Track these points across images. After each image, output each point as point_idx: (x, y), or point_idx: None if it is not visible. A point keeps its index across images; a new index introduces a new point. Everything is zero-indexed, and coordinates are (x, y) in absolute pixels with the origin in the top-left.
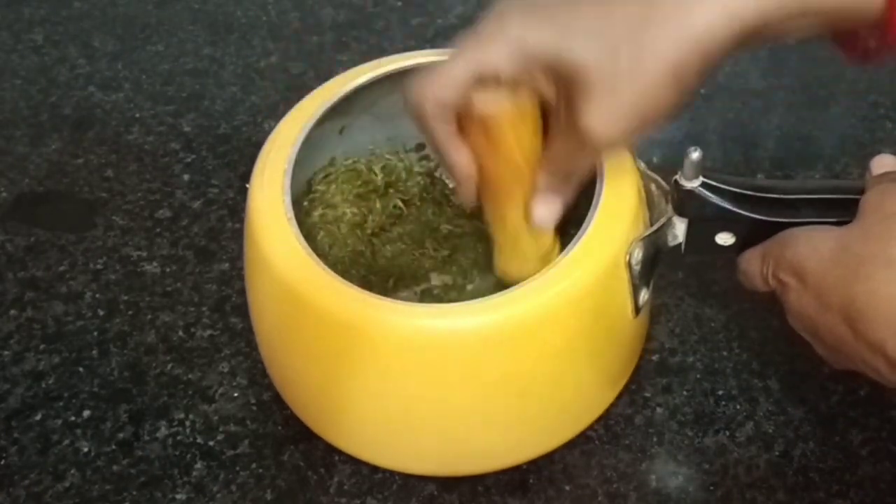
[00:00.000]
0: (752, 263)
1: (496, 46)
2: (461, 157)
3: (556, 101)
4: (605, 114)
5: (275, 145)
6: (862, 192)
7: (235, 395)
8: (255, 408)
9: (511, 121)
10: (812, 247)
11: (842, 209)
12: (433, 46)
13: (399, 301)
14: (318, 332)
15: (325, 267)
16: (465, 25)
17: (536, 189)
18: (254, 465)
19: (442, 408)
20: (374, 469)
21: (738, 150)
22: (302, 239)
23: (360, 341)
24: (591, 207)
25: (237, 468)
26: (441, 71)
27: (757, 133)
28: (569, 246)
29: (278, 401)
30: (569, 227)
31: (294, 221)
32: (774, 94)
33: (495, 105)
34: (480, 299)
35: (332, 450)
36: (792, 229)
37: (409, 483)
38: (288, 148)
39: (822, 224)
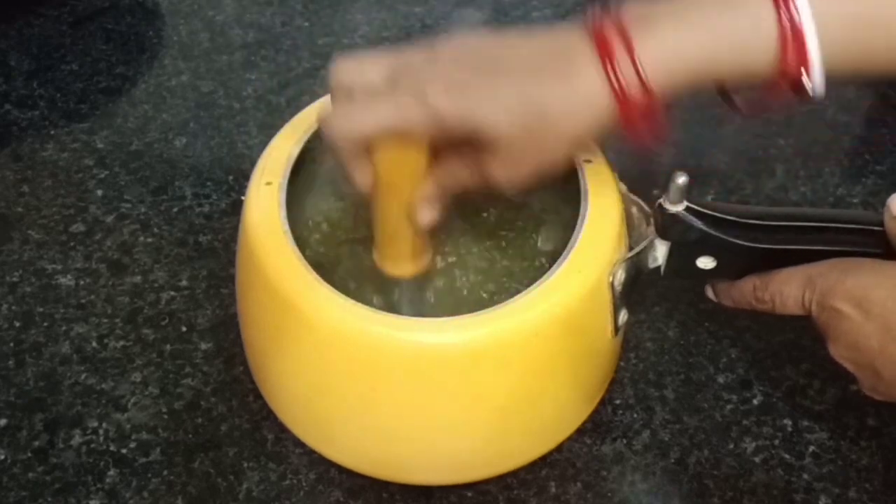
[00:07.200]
0: (790, 286)
1: (414, 112)
2: (361, 177)
3: (460, 145)
4: (511, 170)
5: (270, 159)
6: (852, 221)
7: (147, 404)
8: (166, 416)
9: (402, 164)
10: (879, 276)
11: (827, 237)
12: None
13: (391, 315)
14: (312, 343)
15: (322, 280)
16: (369, 45)
17: (423, 197)
18: (165, 472)
19: (427, 420)
20: (282, 476)
21: (637, 166)
22: (298, 252)
23: (351, 352)
24: (576, 228)
25: (149, 475)
26: (355, 118)
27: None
28: (554, 266)
29: (189, 409)
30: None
31: (290, 235)
32: (670, 113)
33: (391, 155)
34: (468, 315)
35: (240, 457)
36: (843, 258)
37: (316, 490)
38: (283, 161)
39: (807, 251)
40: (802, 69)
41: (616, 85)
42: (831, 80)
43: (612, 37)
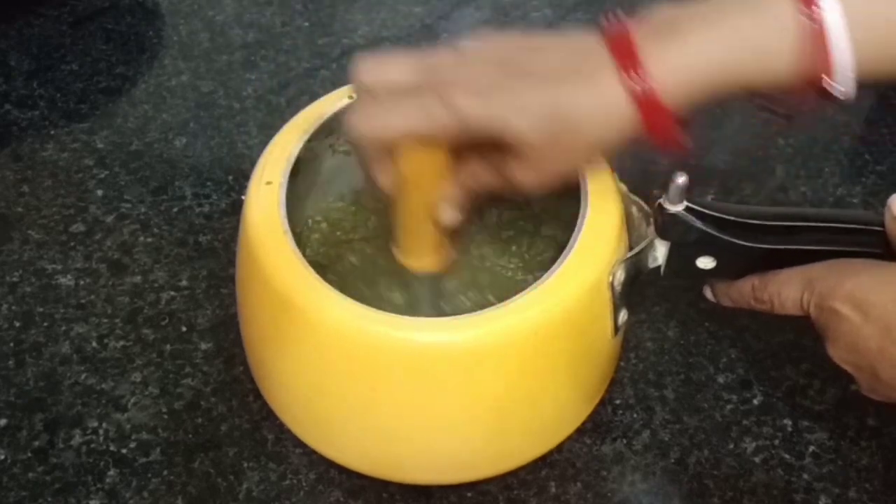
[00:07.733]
0: (789, 287)
1: (440, 115)
2: (384, 177)
3: (483, 146)
4: (534, 174)
5: (270, 158)
6: (853, 221)
7: (147, 404)
8: (166, 416)
9: (425, 164)
10: (879, 279)
11: (827, 237)
12: (339, 65)
13: (391, 314)
14: (312, 343)
15: (322, 280)
16: (370, 45)
17: (445, 197)
18: (165, 472)
19: (427, 419)
20: (282, 476)
21: (637, 166)
22: (298, 252)
23: (351, 352)
24: (576, 228)
25: (149, 475)
26: (381, 119)
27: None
28: (554, 265)
29: (189, 409)
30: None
31: (290, 235)
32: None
33: (415, 155)
34: (467, 315)
35: (240, 457)
36: (842, 259)
37: (316, 490)
38: (283, 161)
39: (807, 251)
40: (823, 74)
41: (636, 93)
42: (862, 83)
43: (633, 45)
